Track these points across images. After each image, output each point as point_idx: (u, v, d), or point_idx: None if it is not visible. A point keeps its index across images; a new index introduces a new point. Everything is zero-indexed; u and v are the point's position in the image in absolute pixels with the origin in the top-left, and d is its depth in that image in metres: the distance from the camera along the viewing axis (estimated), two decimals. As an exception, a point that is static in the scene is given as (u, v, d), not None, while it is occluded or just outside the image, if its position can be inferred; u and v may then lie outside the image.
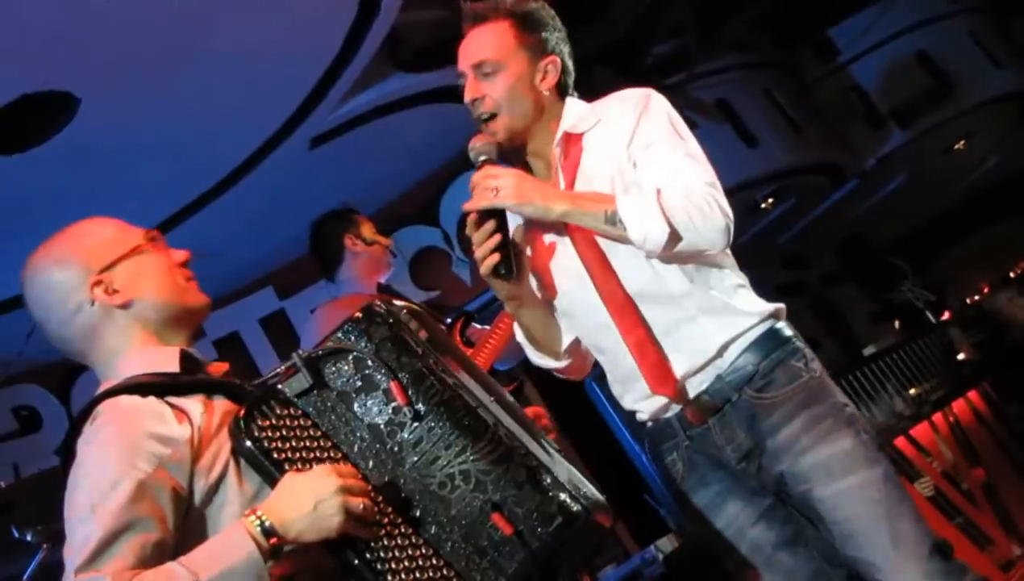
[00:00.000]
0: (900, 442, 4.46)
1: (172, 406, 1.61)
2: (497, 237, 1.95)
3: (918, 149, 7.93)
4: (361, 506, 1.52)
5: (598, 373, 4.31)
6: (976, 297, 10.09)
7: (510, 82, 2.05)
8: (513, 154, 2.14)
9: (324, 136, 4.80)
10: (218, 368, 1.78)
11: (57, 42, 3.41)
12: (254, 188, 4.67)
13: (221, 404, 1.67)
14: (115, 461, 1.52)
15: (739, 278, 2.09)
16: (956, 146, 8.53)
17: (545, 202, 1.95)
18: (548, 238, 2.10)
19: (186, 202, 4.69)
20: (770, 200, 7.40)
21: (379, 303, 1.68)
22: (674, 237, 1.87)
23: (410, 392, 1.60)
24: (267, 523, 1.49)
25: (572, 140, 2.08)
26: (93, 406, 1.62)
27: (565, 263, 2.08)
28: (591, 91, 2.21)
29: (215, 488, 1.59)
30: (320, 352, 1.64)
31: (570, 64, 2.15)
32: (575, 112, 2.12)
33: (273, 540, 1.49)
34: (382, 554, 1.53)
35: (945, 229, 9.99)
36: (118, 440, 1.54)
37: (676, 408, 2.07)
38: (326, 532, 1.51)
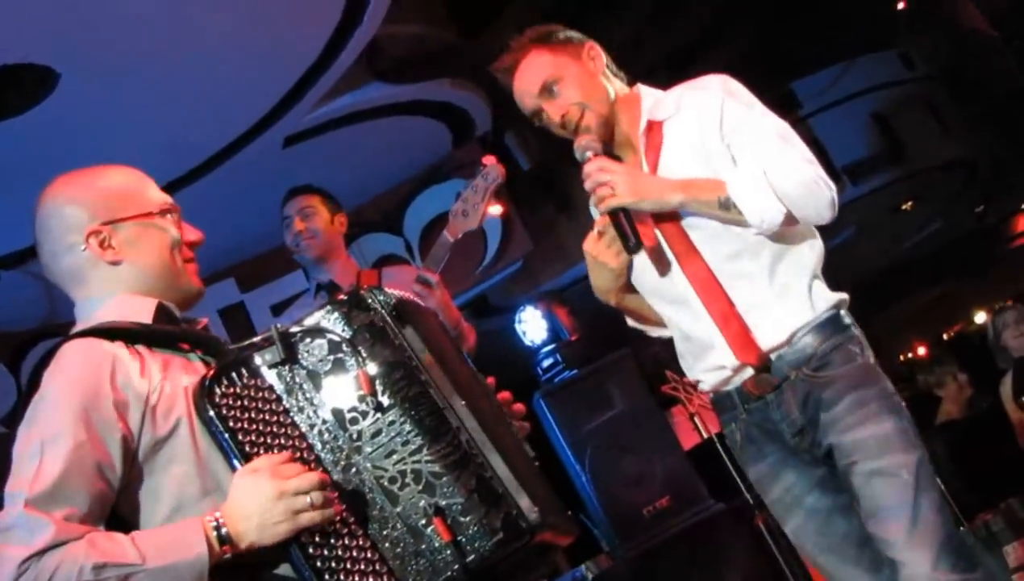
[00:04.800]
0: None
1: (137, 355, 1.61)
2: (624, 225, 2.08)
3: (867, 205, 8.17)
4: (308, 501, 1.49)
5: (548, 390, 4.39)
6: (909, 354, 10.36)
7: (576, 82, 2.20)
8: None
9: (298, 136, 4.83)
10: (195, 327, 1.77)
11: (40, 16, 3.40)
12: (225, 180, 4.67)
13: (180, 362, 1.66)
14: (70, 403, 1.52)
15: (815, 266, 2.19)
16: (904, 206, 8.83)
17: (661, 196, 2.09)
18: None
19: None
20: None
21: (369, 289, 1.65)
22: (789, 215, 2.03)
23: (377, 383, 1.57)
24: (224, 531, 1.48)
25: (654, 127, 2.20)
26: (62, 345, 1.61)
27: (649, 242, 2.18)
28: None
29: (162, 444, 1.57)
30: (297, 328, 1.61)
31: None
32: (651, 98, 2.25)
33: (226, 548, 1.48)
34: (317, 538, 1.51)
35: (886, 286, 10.25)
36: (77, 382, 1.54)
37: (737, 382, 2.18)
38: (275, 537, 1.49)
